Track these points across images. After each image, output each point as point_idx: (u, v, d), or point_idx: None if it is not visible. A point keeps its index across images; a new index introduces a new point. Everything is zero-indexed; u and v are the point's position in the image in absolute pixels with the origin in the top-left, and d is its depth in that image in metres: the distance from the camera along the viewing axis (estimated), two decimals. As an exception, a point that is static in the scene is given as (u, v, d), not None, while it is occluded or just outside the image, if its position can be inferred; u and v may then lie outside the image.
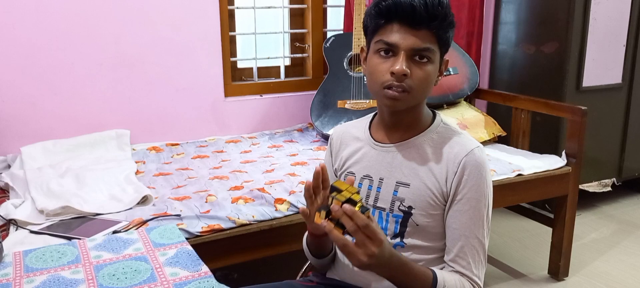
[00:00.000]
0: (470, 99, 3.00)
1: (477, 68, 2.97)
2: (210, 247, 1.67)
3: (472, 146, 1.22)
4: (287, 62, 3.06)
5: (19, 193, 1.93)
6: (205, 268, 1.23)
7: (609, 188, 3.23)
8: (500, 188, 2.21)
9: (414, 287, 1.14)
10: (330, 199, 1.05)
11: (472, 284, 1.20)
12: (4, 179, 2.06)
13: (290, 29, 3.00)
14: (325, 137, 2.63)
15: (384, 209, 1.27)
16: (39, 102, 2.39)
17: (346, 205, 1.00)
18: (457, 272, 1.20)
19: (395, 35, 1.17)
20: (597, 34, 2.94)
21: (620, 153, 3.24)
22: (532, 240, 2.94)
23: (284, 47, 3.02)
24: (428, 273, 1.16)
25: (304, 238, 1.43)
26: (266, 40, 2.97)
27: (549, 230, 2.56)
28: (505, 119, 2.82)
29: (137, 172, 2.17)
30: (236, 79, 2.91)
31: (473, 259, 1.20)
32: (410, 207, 1.23)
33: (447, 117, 2.32)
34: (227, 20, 2.74)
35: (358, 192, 1.05)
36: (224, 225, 1.72)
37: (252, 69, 2.97)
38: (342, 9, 2.97)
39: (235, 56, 2.88)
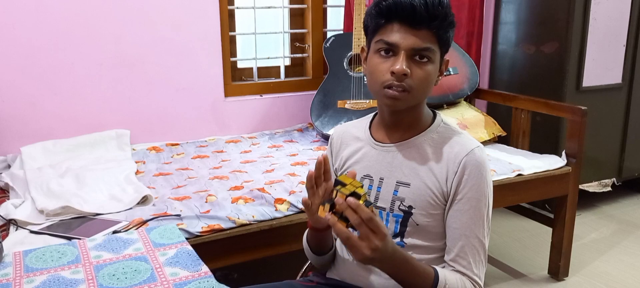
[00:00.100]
0: (470, 99, 3.00)
1: (477, 68, 2.97)
2: (210, 247, 1.67)
3: (472, 146, 1.22)
4: (287, 62, 3.06)
5: (19, 193, 1.93)
6: (205, 268, 1.23)
7: (609, 188, 3.23)
8: (500, 188, 2.21)
9: (415, 284, 1.14)
10: (334, 193, 1.06)
11: (473, 284, 1.20)
12: (4, 179, 2.05)
13: (290, 29, 3.00)
14: (325, 137, 2.63)
15: (384, 209, 1.27)
16: (39, 102, 2.39)
17: (350, 199, 1.01)
18: (457, 271, 1.20)
19: (396, 35, 1.17)
20: (597, 34, 2.94)
21: (620, 153, 3.24)
22: (532, 240, 2.94)
23: (284, 47, 3.02)
24: (430, 270, 1.16)
25: (304, 236, 1.43)
26: (266, 40, 2.97)
27: (549, 230, 2.56)
28: (505, 119, 2.82)
29: (137, 172, 2.17)
30: (236, 79, 2.91)
31: (474, 259, 1.20)
32: (410, 207, 1.24)
33: (447, 117, 2.32)
34: (227, 20, 2.74)
35: (362, 186, 1.05)
36: (224, 225, 1.72)
37: (252, 69, 2.97)
38: (342, 9, 2.97)
39: (235, 56, 2.88)
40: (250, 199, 1.88)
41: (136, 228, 1.57)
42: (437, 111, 1.32)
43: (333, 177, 1.26)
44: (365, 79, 2.69)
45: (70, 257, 1.27)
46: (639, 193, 3.57)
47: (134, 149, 2.47)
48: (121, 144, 2.44)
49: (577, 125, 2.39)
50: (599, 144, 3.11)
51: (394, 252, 1.08)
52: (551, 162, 2.42)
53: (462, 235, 1.20)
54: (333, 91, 2.73)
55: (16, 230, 1.63)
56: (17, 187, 1.98)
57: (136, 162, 2.28)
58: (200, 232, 1.68)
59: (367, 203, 1.02)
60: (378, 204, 1.28)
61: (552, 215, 2.57)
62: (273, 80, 2.99)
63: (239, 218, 1.75)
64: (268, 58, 2.99)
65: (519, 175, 2.31)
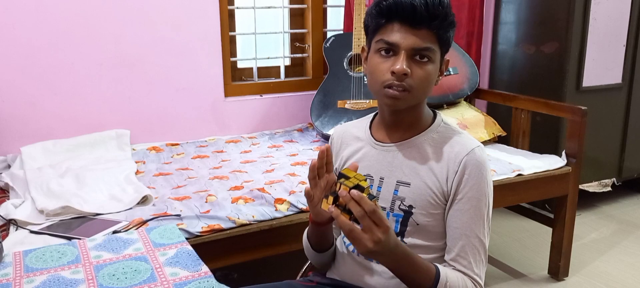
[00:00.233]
0: (470, 99, 3.00)
1: (477, 68, 2.97)
2: (210, 247, 1.67)
3: (472, 145, 1.22)
4: (287, 62, 3.06)
5: (19, 193, 1.93)
6: (205, 268, 1.23)
7: (609, 188, 3.23)
8: (500, 188, 2.21)
9: (416, 279, 1.14)
10: (337, 185, 1.06)
11: (473, 283, 1.20)
12: (4, 179, 2.05)
13: (290, 29, 3.00)
14: (325, 137, 2.63)
15: (384, 208, 1.27)
16: (39, 102, 2.39)
17: (354, 191, 1.01)
18: (458, 271, 1.20)
19: (396, 35, 1.17)
20: (597, 34, 2.94)
21: (620, 153, 3.24)
22: (532, 240, 2.94)
23: (284, 47, 3.02)
24: (431, 267, 1.16)
25: (304, 234, 1.43)
26: (266, 40, 2.97)
27: (549, 230, 2.56)
28: (505, 119, 2.82)
29: (137, 172, 2.17)
30: (236, 79, 2.91)
31: (474, 258, 1.20)
32: (410, 206, 1.24)
33: (447, 117, 2.32)
34: (227, 20, 2.74)
35: (366, 179, 1.05)
36: (224, 225, 1.72)
37: (252, 69, 2.97)
38: (342, 9, 2.97)
39: (235, 56, 2.88)
40: (250, 199, 1.88)
41: (136, 228, 1.57)
42: (437, 111, 1.32)
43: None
44: (365, 79, 2.69)
45: (70, 257, 1.27)
46: (639, 193, 3.57)
47: (134, 149, 2.47)
48: (121, 144, 2.44)
49: (577, 125, 2.39)
50: (599, 144, 3.11)
51: (396, 246, 1.09)
52: (551, 162, 2.42)
53: (463, 235, 1.20)
54: (333, 91, 2.73)
55: (16, 230, 1.63)
56: (17, 187, 1.98)
57: (136, 162, 2.28)
58: (200, 232, 1.68)
59: (370, 196, 1.02)
60: (378, 204, 1.27)
61: (552, 215, 2.57)
62: (273, 80, 2.99)
63: (239, 218, 1.75)
64: (268, 58, 2.99)
65: (519, 175, 2.31)
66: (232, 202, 1.85)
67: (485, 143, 2.66)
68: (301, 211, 1.85)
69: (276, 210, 1.83)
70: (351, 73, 2.76)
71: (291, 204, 1.86)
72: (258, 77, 2.98)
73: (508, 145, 2.71)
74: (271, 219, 1.80)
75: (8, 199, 1.87)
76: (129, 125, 2.54)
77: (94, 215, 1.72)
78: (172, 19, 2.58)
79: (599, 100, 3.03)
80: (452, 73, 2.86)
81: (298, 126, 2.92)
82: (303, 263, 1.54)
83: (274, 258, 1.84)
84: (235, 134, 2.81)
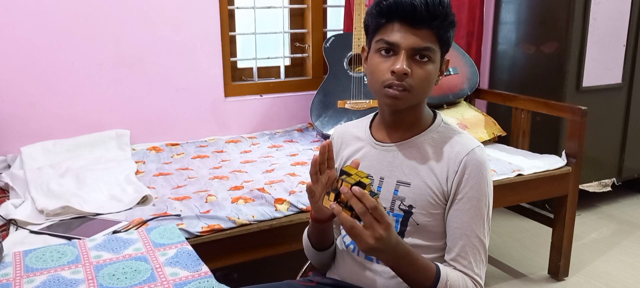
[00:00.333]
0: (470, 99, 3.00)
1: (477, 68, 2.97)
2: (210, 247, 1.66)
3: (472, 145, 1.22)
4: (287, 62, 3.06)
5: (19, 193, 1.93)
6: (205, 268, 1.23)
7: (609, 188, 3.23)
8: (500, 188, 2.21)
9: (417, 278, 1.14)
10: (339, 182, 1.06)
11: (474, 283, 1.20)
12: (4, 179, 2.05)
13: (290, 29, 3.00)
14: (326, 137, 2.62)
15: (384, 208, 1.26)
16: (39, 102, 2.39)
17: (356, 187, 1.01)
18: (458, 271, 1.20)
19: (396, 35, 1.17)
20: (597, 34, 2.94)
21: (620, 153, 3.24)
22: (532, 240, 2.94)
23: (284, 47, 3.02)
24: (432, 266, 1.16)
25: (304, 233, 1.43)
26: (266, 40, 2.97)
27: (549, 230, 2.56)
28: (505, 119, 2.82)
29: (137, 172, 2.17)
30: (236, 79, 2.91)
31: (474, 258, 1.20)
32: (410, 206, 1.24)
33: (447, 117, 2.32)
34: (227, 20, 2.74)
35: (368, 176, 1.06)
36: (224, 225, 1.72)
37: (252, 69, 2.97)
38: (342, 9, 2.97)
39: (235, 56, 2.88)
40: (250, 199, 1.88)
41: (136, 228, 1.57)
42: (437, 111, 1.32)
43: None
44: (365, 79, 2.69)
45: (70, 257, 1.27)
46: (639, 193, 3.57)
47: (134, 149, 2.47)
48: (121, 144, 2.44)
49: (577, 125, 2.39)
50: (599, 144, 3.11)
51: (397, 244, 1.09)
52: (551, 162, 2.42)
53: (463, 235, 1.20)
54: (333, 91, 2.73)
55: (16, 230, 1.62)
56: (17, 187, 1.98)
57: (136, 162, 2.28)
58: (200, 232, 1.68)
59: (372, 194, 1.02)
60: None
61: (552, 215, 2.57)
62: (273, 80, 2.99)
63: (239, 218, 1.75)
64: (268, 58, 2.99)
65: (519, 175, 2.31)
66: (232, 202, 1.85)
67: (485, 143, 2.66)
68: (301, 211, 1.85)
69: (276, 210, 1.83)
70: (351, 73, 2.76)
71: (291, 204, 1.85)
72: (258, 77, 2.98)
73: (508, 145, 2.71)
74: (271, 219, 1.80)
75: (8, 199, 1.87)
76: (129, 125, 2.54)
77: (94, 215, 1.72)
78: (172, 19, 2.58)
79: (599, 100, 3.03)
80: (452, 73, 2.86)
81: (298, 126, 2.92)
82: (303, 263, 1.54)
83: (274, 258, 1.84)
84: (235, 133, 2.81)
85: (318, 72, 3.02)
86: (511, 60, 3.23)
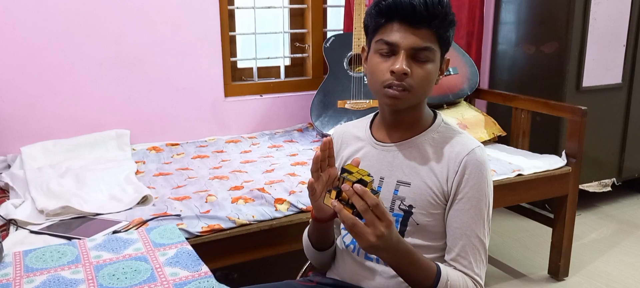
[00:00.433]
0: (470, 99, 3.00)
1: (477, 68, 2.97)
2: (210, 247, 1.67)
3: (473, 145, 1.22)
4: (287, 62, 3.06)
5: (19, 193, 1.93)
6: (205, 268, 1.23)
7: (609, 188, 3.23)
8: (500, 188, 2.21)
9: (417, 277, 1.14)
10: (340, 180, 1.06)
11: (474, 283, 1.20)
12: (4, 179, 2.05)
13: (290, 29, 3.00)
14: (325, 137, 2.62)
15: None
16: (39, 102, 2.39)
17: (357, 185, 1.01)
18: (458, 271, 1.20)
19: (396, 35, 1.17)
20: (597, 34, 2.94)
21: (620, 153, 3.24)
22: (532, 240, 2.94)
23: (284, 47, 3.02)
24: (432, 265, 1.16)
25: (304, 232, 1.43)
26: (266, 40, 2.97)
27: (549, 230, 2.56)
28: (505, 119, 2.82)
29: (137, 172, 2.17)
30: (236, 79, 2.91)
31: (474, 258, 1.20)
32: (410, 206, 1.24)
33: (447, 117, 2.32)
34: (227, 20, 2.74)
35: (369, 175, 1.05)
36: (224, 225, 1.72)
37: (252, 69, 2.97)
38: (342, 9, 2.97)
39: (235, 56, 2.88)
40: (250, 199, 1.88)
41: (136, 228, 1.57)
42: (437, 111, 1.32)
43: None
44: (365, 79, 2.69)
45: (70, 257, 1.27)
46: (639, 193, 3.57)
47: (134, 149, 2.47)
48: (121, 144, 2.44)
49: (577, 125, 2.39)
50: (599, 144, 3.11)
51: (398, 242, 1.08)
52: (551, 162, 2.42)
53: (463, 235, 1.20)
54: (333, 91, 2.73)
55: (16, 230, 1.63)
56: (17, 187, 1.98)
57: (136, 162, 2.28)
58: (200, 232, 1.68)
59: (373, 191, 1.02)
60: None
61: (552, 215, 2.57)
62: (273, 80, 2.99)
63: (239, 218, 1.75)
64: (268, 58, 2.99)
65: (519, 175, 2.31)
66: (232, 202, 1.85)
67: (485, 143, 2.66)
68: (301, 211, 1.85)
69: (276, 210, 1.83)
70: (351, 73, 2.76)
71: (291, 204, 1.85)
72: (258, 77, 2.98)
73: (508, 145, 2.71)
74: (271, 219, 1.80)
75: (8, 199, 1.87)
76: (129, 125, 2.54)
77: (94, 215, 1.72)
78: (172, 19, 2.58)
79: (599, 100, 3.03)
80: (452, 73, 2.86)
81: (298, 126, 2.92)
82: (303, 263, 1.54)
83: (274, 258, 1.84)
84: (235, 133, 2.81)
85: (318, 72, 3.02)
86: (511, 60, 3.23)
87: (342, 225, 1.38)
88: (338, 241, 1.41)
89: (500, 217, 3.16)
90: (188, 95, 2.69)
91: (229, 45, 2.78)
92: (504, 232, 3.03)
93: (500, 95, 2.90)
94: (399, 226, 1.25)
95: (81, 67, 2.44)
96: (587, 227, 3.09)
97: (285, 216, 1.83)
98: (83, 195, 1.83)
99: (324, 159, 1.18)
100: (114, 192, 1.90)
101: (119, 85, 2.53)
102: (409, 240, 1.25)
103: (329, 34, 3.01)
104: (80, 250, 1.31)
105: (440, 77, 1.25)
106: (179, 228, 1.51)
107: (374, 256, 1.27)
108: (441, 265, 1.18)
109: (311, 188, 1.20)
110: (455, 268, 1.21)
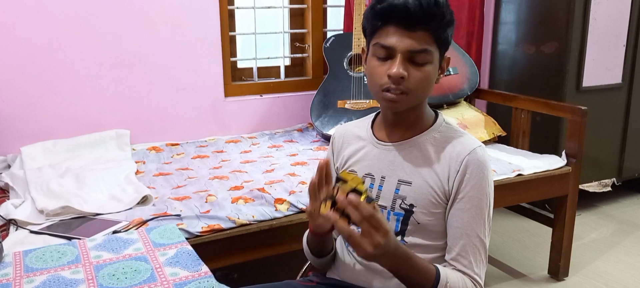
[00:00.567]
0: (470, 99, 3.00)
1: (477, 68, 2.97)
2: (210, 247, 1.66)
3: (474, 145, 1.22)
4: (287, 62, 3.06)
5: (19, 193, 1.93)
6: (205, 268, 1.23)
7: (609, 188, 3.23)
8: (500, 188, 2.21)
9: (416, 281, 1.14)
10: (335, 190, 1.05)
11: (474, 283, 1.20)
12: (4, 179, 2.05)
13: (290, 29, 3.00)
14: (326, 137, 2.63)
15: (385, 207, 1.27)
16: (39, 102, 2.39)
17: (351, 196, 1.01)
18: (458, 271, 1.20)
19: (392, 38, 1.16)
20: (597, 34, 2.94)
21: (620, 153, 3.24)
22: (532, 240, 2.94)
23: (284, 47, 3.02)
24: (431, 268, 1.16)
25: (304, 237, 1.43)
26: (266, 40, 2.97)
27: (549, 230, 2.56)
28: (505, 119, 2.82)
29: (137, 172, 2.17)
30: (236, 79, 2.91)
31: (474, 258, 1.20)
32: (411, 205, 1.24)
33: (447, 117, 2.32)
34: (227, 20, 2.74)
35: (363, 182, 1.05)
36: (224, 225, 1.72)
37: (252, 69, 2.97)
38: (342, 9, 2.97)
39: (235, 56, 2.88)
40: (250, 199, 1.88)
41: (136, 228, 1.57)
42: (439, 111, 1.32)
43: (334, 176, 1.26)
44: (365, 79, 2.69)
45: (70, 257, 1.27)
46: (639, 193, 3.57)
47: (134, 149, 2.47)
48: (121, 144, 2.44)
49: (577, 125, 2.39)
50: (599, 144, 3.11)
51: (396, 249, 1.08)
52: (551, 162, 2.42)
53: (463, 234, 1.20)
54: (333, 91, 2.73)
55: (16, 230, 1.62)
56: (17, 187, 1.98)
57: (136, 162, 2.28)
58: (200, 232, 1.68)
59: (369, 199, 1.02)
60: (379, 202, 1.28)
61: (552, 215, 2.57)
62: (273, 80, 2.99)
63: (239, 218, 1.75)
64: (268, 58, 2.99)
65: (519, 175, 2.31)
66: (232, 202, 1.85)
67: (485, 143, 2.66)
68: (301, 211, 1.85)
69: (276, 210, 1.83)
70: (351, 73, 2.76)
71: (291, 204, 1.86)
72: (258, 77, 2.98)
73: (508, 145, 2.71)
74: (271, 219, 1.80)
75: (8, 199, 1.87)
76: (129, 125, 2.54)
77: (94, 215, 1.72)
78: (172, 19, 2.58)
79: (599, 100, 3.03)
80: (452, 73, 2.86)
81: (298, 126, 2.92)
82: (303, 263, 1.54)
83: (274, 258, 1.84)
84: (235, 133, 2.81)
85: (318, 72, 3.02)
86: (511, 60, 3.23)
87: None
88: (337, 243, 1.41)
89: (500, 217, 3.16)
90: (188, 95, 2.69)
91: (229, 45, 2.78)
92: (504, 232, 3.03)
93: (500, 95, 2.90)
94: (399, 225, 1.25)
95: (81, 67, 2.44)
96: (587, 227, 3.09)
97: (285, 216, 1.83)
98: (83, 195, 1.83)
99: (321, 182, 1.17)
100: (114, 192, 1.90)
101: (119, 85, 2.53)
102: (410, 239, 1.25)
103: (329, 34, 3.01)
104: (80, 250, 1.31)
105: (441, 75, 1.24)
106: (179, 228, 1.51)
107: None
108: (440, 267, 1.18)
109: (310, 215, 1.21)
110: (455, 267, 1.21)
